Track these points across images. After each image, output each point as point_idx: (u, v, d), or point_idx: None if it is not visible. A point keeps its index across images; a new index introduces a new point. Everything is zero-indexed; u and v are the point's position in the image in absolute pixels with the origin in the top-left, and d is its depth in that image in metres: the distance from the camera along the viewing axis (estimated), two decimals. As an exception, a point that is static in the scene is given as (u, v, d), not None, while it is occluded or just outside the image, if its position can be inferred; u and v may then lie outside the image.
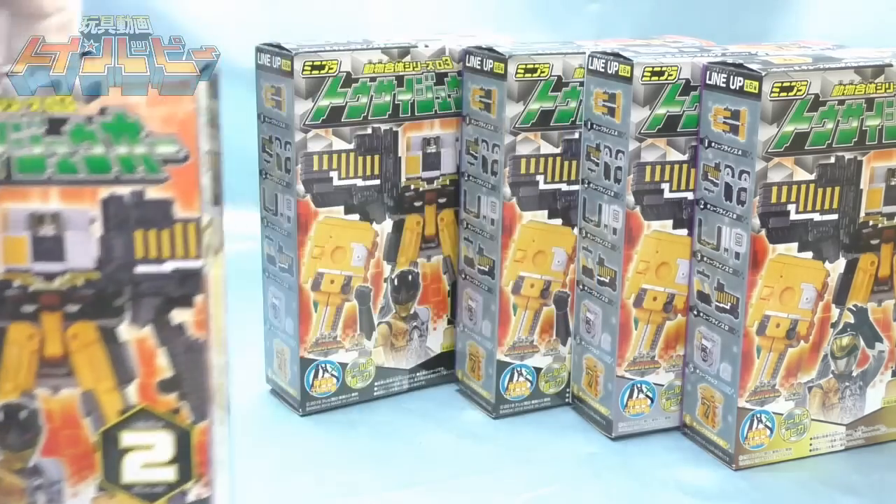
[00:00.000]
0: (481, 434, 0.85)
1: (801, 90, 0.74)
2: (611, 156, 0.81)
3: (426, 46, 0.86)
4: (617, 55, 0.80)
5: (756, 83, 0.73)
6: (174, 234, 0.59)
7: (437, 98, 0.87)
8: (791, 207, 0.76)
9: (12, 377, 0.60)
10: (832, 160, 0.76)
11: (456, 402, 0.92)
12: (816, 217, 0.77)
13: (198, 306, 0.60)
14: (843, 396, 0.82)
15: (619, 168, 0.80)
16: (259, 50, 0.87)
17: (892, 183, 0.78)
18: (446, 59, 0.87)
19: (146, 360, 0.60)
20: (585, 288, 0.86)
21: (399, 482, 0.78)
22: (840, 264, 0.78)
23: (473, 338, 0.89)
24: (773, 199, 0.75)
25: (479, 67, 0.84)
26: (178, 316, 0.60)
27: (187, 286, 0.59)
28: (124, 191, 0.58)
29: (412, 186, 0.88)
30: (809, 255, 0.77)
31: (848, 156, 0.76)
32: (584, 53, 0.83)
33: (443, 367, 0.93)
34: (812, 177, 0.76)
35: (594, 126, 0.82)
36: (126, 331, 0.60)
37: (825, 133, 0.75)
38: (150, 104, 0.56)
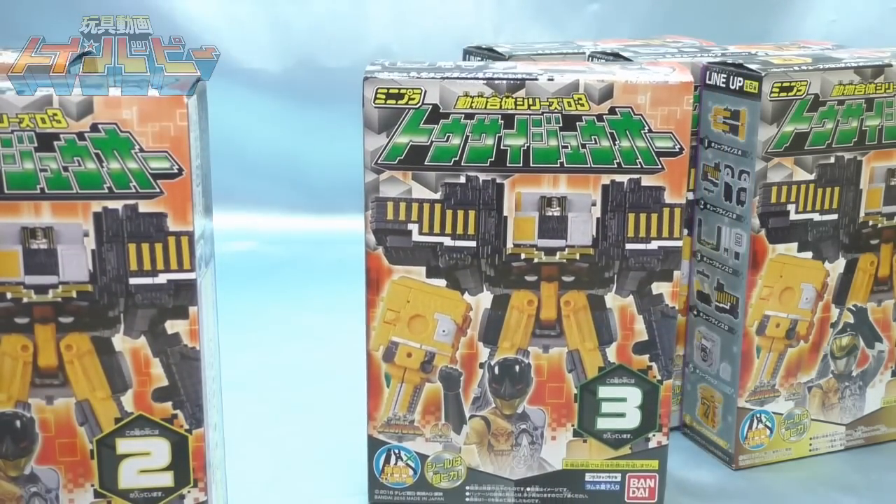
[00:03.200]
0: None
1: (800, 90, 0.74)
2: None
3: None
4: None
5: (756, 83, 0.73)
6: (168, 247, 0.59)
7: None
8: (791, 207, 0.76)
9: (6, 388, 0.60)
10: (832, 160, 0.76)
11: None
12: (816, 217, 0.76)
13: (192, 317, 0.60)
14: (842, 396, 0.82)
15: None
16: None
17: (892, 183, 0.78)
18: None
19: (141, 370, 0.61)
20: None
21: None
22: (840, 264, 0.78)
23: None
24: (773, 199, 0.75)
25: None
26: (173, 326, 0.60)
27: (181, 297, 0.60)
28: (117, 205, 0.58)
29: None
30: (809, 255, 0.77)
31: (848, 156, 0.76)
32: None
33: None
34: (812, 177, 0.76)
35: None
36: (120, 341, 0.60)
37: (825, 133, 0.75)
38: (142, 120, 0.56)
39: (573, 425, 0.71)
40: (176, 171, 0.58)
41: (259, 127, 1.40)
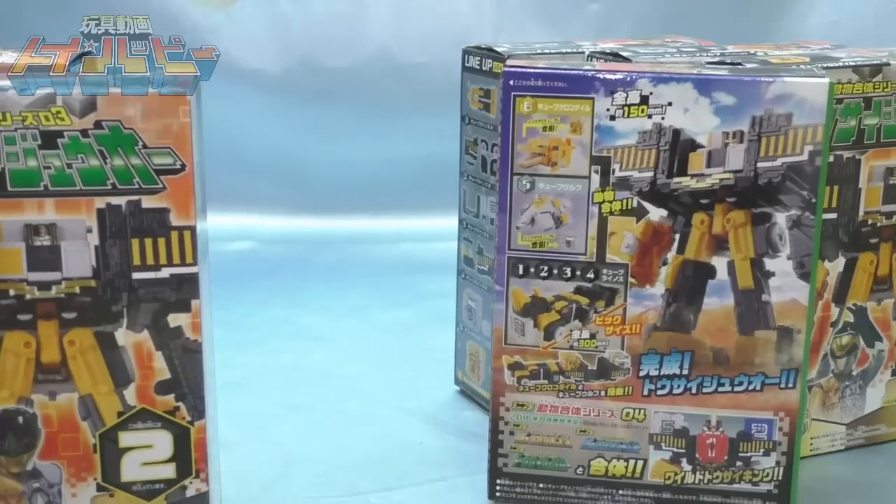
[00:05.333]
0: (481, 434, 0.85)
1: (800, 89, 0.74)
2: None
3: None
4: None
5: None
6: (170, 242, 0.59)
7: None
8: (790, 207, 0.76)
9: (8, 384, 0.61)
10: (830, 159, 0.76)
11: (456, 402, 0.92)
12: (816, 216, 0.77)
13: (194, 310, 0.60)
14: (843, 396, 0.82)
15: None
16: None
17: (891, 181, 0.78)
18: None
19: (144, 364, 0.61)
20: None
21: (399, 482, 0.78)
22: (839, 263, 0.78)
23: (473, 338, 0.89)
24: (773, 199, 0.75)
25: (478, 67, 0.84)
26: (176, 320, 0.61)
27: (184, 291, 0.60)
28: (120, 201, 0.58)
29: None
30: (809, 254, 0.77)
31: (846, 155, 0.76)
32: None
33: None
34: (811, 176, 0.76)
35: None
36: (123, 335, 0.61)
37: (824, 132, 0.75)
38: (146, 118, 0.57)
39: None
40: (179, 166, 0.58)
41: (259, 127, 1.40)
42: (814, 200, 0.67)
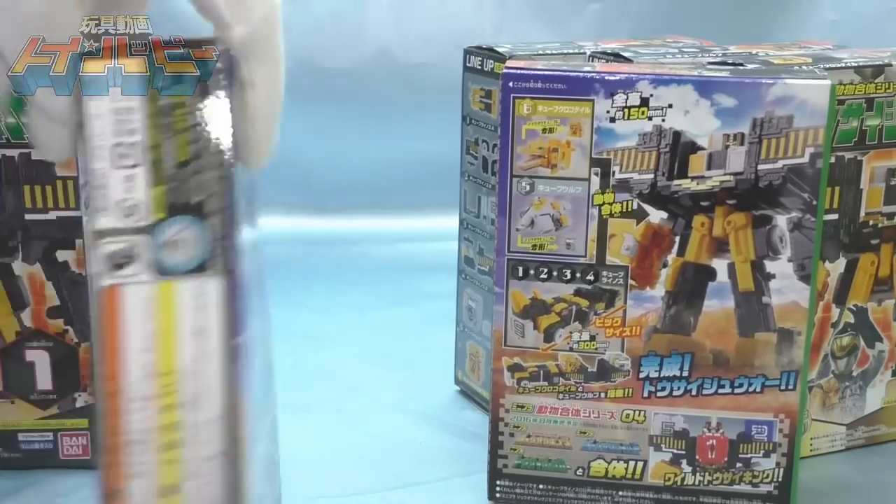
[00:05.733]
0: (481, 434, 0.85)
1: (801, 90, 0.73)
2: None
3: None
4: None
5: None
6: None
7: None
8: (791, 207, 0.76)
9: None
10: (832, 160, 0.76)
11: (456, 402, 0.92)
12: (816, 217, 0.77)
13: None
14: (843, 396, 0.82)
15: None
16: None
17: (892, 183, 0.78)
18: None
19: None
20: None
21: (399, 482, 0.78)
22: (840, 264, 0.78)
23: (473, 338, 0.89)
24: (773, 199, 0.75)
25: (479, 68, 0.84)
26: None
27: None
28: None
29: None
30: (809, 254, 0.77)
31: (848, 155, 0.76)
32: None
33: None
34: (812, 177, 0.76)
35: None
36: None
37: (825, 133, 0.75)
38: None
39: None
40: None
41: (259, 127, 1.40)
42: (815, 203, 0.67)
